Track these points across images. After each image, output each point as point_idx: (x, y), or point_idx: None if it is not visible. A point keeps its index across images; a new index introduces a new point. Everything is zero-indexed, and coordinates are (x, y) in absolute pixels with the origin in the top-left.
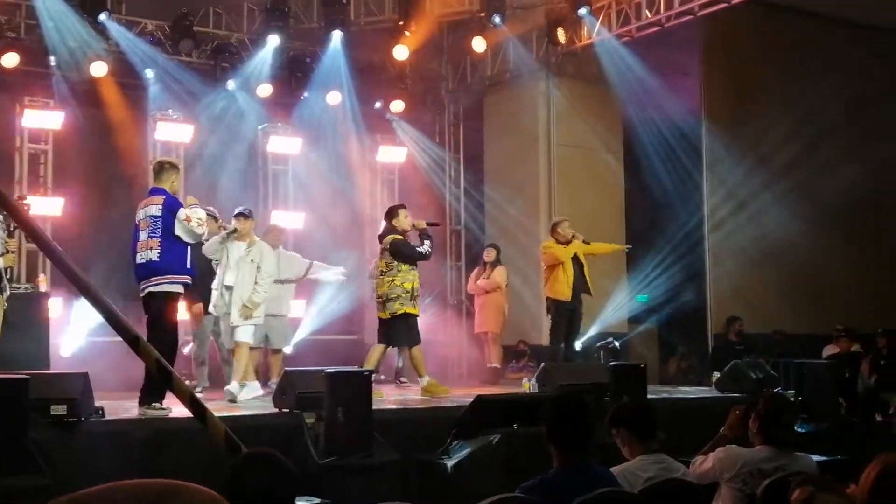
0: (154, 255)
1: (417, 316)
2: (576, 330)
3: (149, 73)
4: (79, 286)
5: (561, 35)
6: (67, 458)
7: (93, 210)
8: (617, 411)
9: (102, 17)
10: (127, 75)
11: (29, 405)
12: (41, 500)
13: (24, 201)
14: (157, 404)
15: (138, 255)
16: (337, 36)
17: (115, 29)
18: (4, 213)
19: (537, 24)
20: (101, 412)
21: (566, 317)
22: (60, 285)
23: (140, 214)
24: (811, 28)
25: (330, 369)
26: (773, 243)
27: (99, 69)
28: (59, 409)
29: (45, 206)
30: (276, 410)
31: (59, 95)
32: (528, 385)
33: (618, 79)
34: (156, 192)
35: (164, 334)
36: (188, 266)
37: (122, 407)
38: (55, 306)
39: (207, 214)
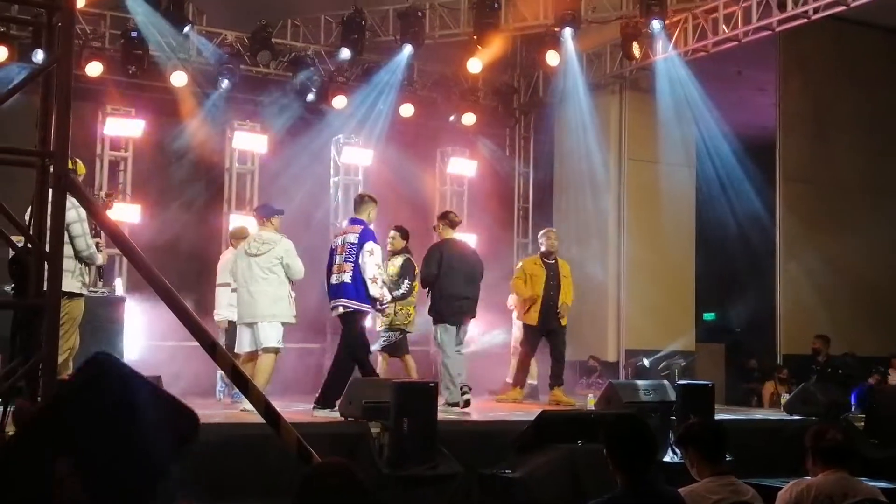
0: (346, 277)
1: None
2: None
3: (226, 84)
4: (160, 291)
5: (635, 49)
6: None
7: (169, 217)
8: (686, 431)
9: (186, 28)
10: (205, 85)
11: None
12: None
13: (110, 198)
14: None
15: (333, 275)
16: (408, 49)
17: (196, 39)
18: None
19: (611, 38)
20: None
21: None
22: (135, 289)
23: (338, 241)
24: (887, 44)
25: (397, 380)
26: (847, 265)
27: (179, 79)
28: None
29: (124, 213)
30: (342, 419)
31: (140, 104)
32: (593, 401)
33: (692, 94)
34: (354, 222)
35: (352, 345)
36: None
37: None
38: (130, 310)
39: None
